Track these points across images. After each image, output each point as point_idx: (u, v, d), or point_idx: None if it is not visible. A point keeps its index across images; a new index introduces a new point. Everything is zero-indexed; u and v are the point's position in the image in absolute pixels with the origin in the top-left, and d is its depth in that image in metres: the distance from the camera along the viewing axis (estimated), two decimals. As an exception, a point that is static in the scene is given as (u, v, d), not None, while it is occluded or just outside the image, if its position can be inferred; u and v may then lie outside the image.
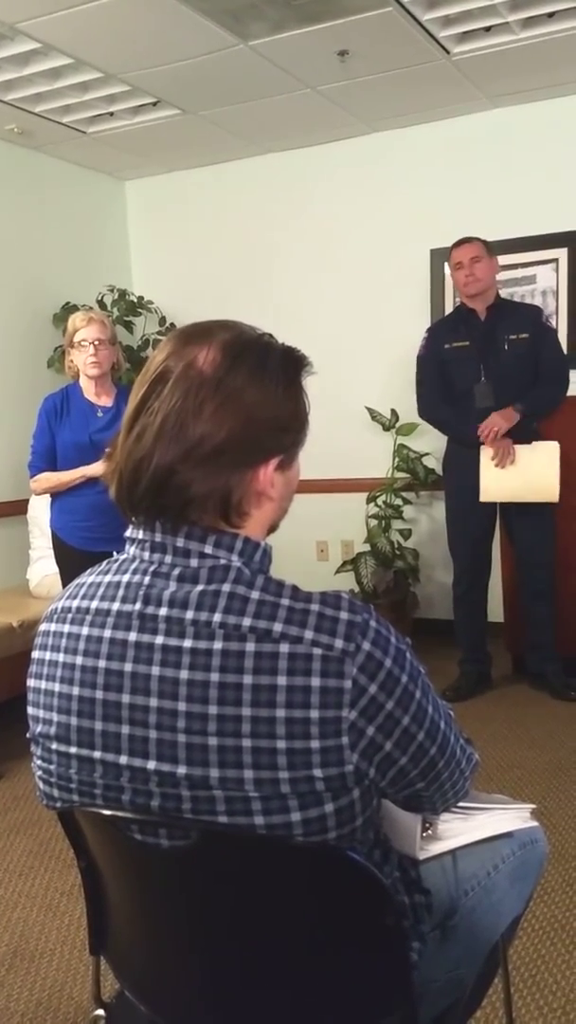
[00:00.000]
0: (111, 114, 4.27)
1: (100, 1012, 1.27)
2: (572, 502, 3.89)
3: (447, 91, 4.16)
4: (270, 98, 4.15)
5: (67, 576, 3.25)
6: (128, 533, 1.07)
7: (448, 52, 3.73)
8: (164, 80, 3.89)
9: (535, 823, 1.45)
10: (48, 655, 1.09)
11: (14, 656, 3.56)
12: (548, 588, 3.87)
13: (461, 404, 3.79)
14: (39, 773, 1.12)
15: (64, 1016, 2.05)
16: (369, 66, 3.84)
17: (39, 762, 1.11)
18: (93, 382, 3.35)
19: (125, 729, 1.01)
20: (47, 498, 3.51)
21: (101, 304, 4.82)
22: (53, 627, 1.10)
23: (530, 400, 3.70)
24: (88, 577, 1.10)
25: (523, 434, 3.71)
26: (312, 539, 5.06)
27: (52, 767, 1.08)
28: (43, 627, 1.12)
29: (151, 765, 1.00)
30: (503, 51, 3.73)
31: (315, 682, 0.95)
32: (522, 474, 3.69)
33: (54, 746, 1.07)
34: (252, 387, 1.02)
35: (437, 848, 1.32)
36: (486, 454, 3.71)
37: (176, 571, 1.02)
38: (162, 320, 5.02)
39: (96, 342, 3.28)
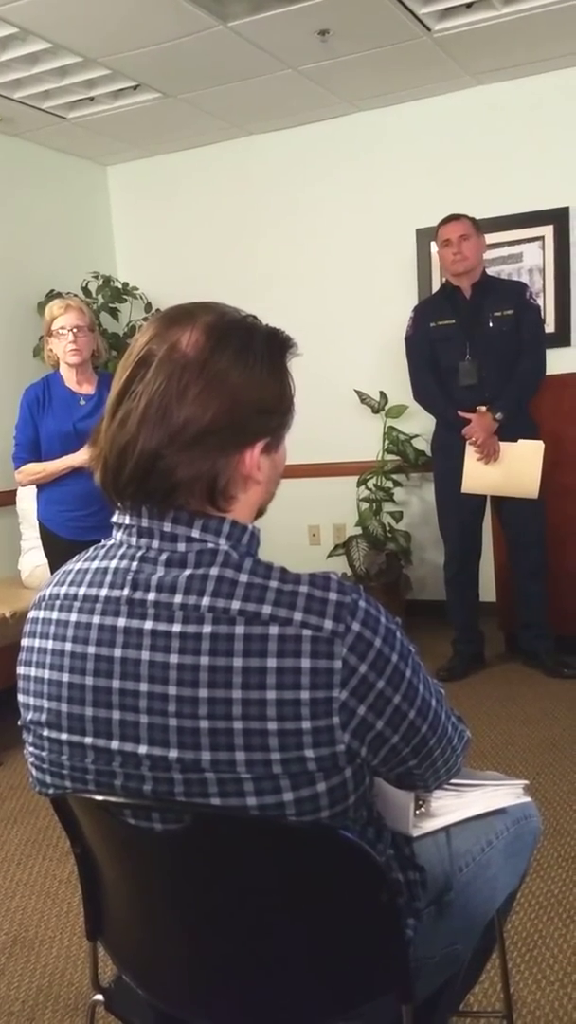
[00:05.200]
0: (91, 99, 4.22)
1: (99, 997, 1.28)
2: (563, 481, 3.90)
3: (429, 69, 4.13)
4: (251, 79, 4.11)
5: (57, 567, 3.23)
6: (115, 519, 1.07)
7: (429, 29, 3.70)
8: (144, 63, 3.86)
9: (528, 799, 1.46)
10: (37, 642, 1.09)
11: (7, 647, 3.55)
12: (540, 567, 3.88)
13: (446, 382, 3.80)
14: (31, 760, 1.12)
15: (64, 1002, 2.07)
16: (350, 45, 3.81)
17: (31, 749, 1.11)
18: (74, 370, 3.33)
19: (116, 714, 1.01)
20: (33, 489, 3.50)
21: (86, 291, 4.79)
22: (42, 614, 1.09)
23: (509, 401, 3.72)
24: (75, 564, 1.10)
25: (514, 423, 3.72)
26: (304, 523, 5.06)
27: (44, 754, 1.08)
28: (32, 614, 1.12)
29: (143, 749, 1.00)
30: (485, 27, 3.70)
31: (305, 663, 0.95)
32: (505, 470, 3.73)
33: (45, 733, 1.07)
34: (236, 369, 1.01)
35: (431, 825, 1.32)
36: (471, 450, 3.73)
37: (164, 556, 1.02)
38: (148, 306, 5.00)
39: (75, 329, 3.25)
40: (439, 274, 4.44)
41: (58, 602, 1.07)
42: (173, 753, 0.98)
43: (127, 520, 1.05)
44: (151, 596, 1.00)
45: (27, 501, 4.06)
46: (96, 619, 1.03)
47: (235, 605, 0.97)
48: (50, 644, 1.06)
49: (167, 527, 1.02)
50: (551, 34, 3.82)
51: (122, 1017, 1.28)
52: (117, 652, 1.01)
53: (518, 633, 4.07)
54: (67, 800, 1.11)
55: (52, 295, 4.58)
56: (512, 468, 3.72)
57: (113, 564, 1.04)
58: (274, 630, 0.96)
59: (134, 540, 1.04)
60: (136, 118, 4.50)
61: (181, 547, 1.02)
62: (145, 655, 0.99)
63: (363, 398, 4.68)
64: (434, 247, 4.37)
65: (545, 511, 3.83)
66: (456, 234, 3.71)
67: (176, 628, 0.98)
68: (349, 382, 4.73)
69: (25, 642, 1.11)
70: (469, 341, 3.75)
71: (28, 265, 4.71)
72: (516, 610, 4.02)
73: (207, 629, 0.97)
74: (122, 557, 1.04)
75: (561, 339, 4.36)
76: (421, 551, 4.76)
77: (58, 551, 3.35)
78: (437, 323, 3.82)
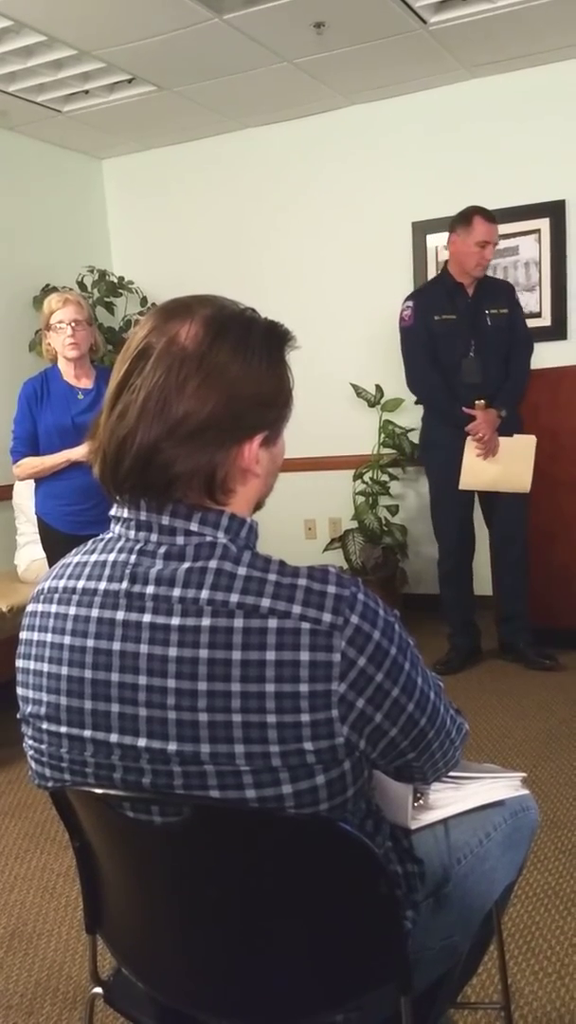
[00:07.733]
0: (86, 92, 4.21)
1: (98, 990, 1.28)
2: (558, 474, 3.91)
3: (425, 62, 4.12)
4: (246, 72, 4.10)
5: (56, 561, 3.22)
6: (113, 512, 1.07)
7: (425, 22, 3.69)
8: (139, 56, 3.84)
9: (526, 791, 1.46)
10: (36, 635, 1.08)
11: (5, 640, 3.55)
12: (522, 560, 3.90)
13: (447, 379, 3.79)
14: (30, 753, 1.12)
15: (63, 995, 2.07)
16: (346, 38, 3.80)
17: (30, 742, 1.11)
18: (72, 364, 3.32)
19: (115, 707, 1.01)
20: (31, 483, 3.49)
21: (81, 285, 4.78)
22: (40, 607, 1.09)
23: (509, 397, 3.75)
24: (74, 557, 1.10)
25: (505, 423, 3.74)
26: (300, 517, 5.06)
27: (43, 747, 1.08)
28: (30, 608, 1.12)
29: (142, 742, 1.00)
30: (480, 20, 3.69)
31: (304, 656, 0.95)
32: (500, 466, 3.75)
33: (44, 726, 1.07)
34: (235, 362, 1.01)
35: (429, 817, 1.32)
36: (471, 446, 3.73)
37: (162, 549, 1.01)
38: (143, 300, 4.99)
39: (73, 323, 3.24)
40: (435, 266, 4.44)
41: (56, 595, 1.07)
42: (172, 746, 0.98)
43: (125, 513, 1.05)
44: (150, 589, 1.00)
45: (25, 496, 4.06)
46: (95, 612, 1.03)
47: (234, 598, 0.97)
48: (49, 637, 1.06)
49: (165, 520, 1.02)
50: (547, 27, 3.81)
51: (121, 1010, 1.28)
52: (116, 645, 1.01)
53: (499, 625, 4.07)
54: (66, 793, 1.11)
55: (48, 289, 4.57)
56: (508, 463, 3.73)
57: (111, 557, 1.04)
58: (273, 623, 0.96)
59: (132, 533, 1.04)
60: (131, 111, 4.48)
61: (180, 540, 1.02)
62: (144, 648, 0.99)
63: (359, 392, 4.68)
64: (431, 240, 4.38)
65: (529, 504, 3.83)
66: (495, 239, 3.71)
67: (175, 621, 0.98)
68: (345, 376, 4.73)
69: (24, 635, 1.11)
70: (474, 338, 3.74)
71: (23, 259, 4.70)
72: (497, 602, 4.02)
73: (206, 622, 0.97)
74: (120, 550, 1.04)
75: (558, 332, 4.36)
76: (417, 545, 4.76)
77: (56, 545, 3.35)
78: (440, 316, 3.78)
